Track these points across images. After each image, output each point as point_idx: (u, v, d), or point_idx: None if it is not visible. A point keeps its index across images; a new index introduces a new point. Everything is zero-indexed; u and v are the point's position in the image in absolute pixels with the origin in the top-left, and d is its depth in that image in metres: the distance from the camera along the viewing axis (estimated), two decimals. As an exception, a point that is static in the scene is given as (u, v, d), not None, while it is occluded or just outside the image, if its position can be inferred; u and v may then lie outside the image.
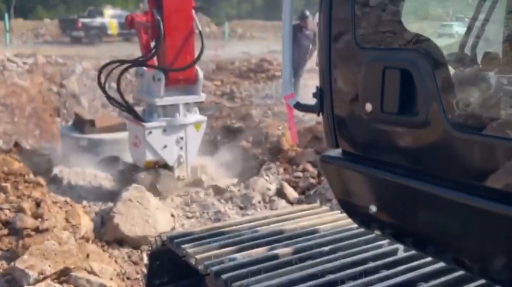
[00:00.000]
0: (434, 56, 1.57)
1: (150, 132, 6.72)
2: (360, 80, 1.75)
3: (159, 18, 6.42)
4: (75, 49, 19.95)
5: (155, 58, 6.82)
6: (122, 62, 7.17)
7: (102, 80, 6.74)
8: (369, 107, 1.70)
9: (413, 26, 1.75)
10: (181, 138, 6.96)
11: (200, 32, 6.80)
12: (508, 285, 1.51)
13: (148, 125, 6.72)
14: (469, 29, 2.26)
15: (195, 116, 7.13)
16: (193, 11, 6.77)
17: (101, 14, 27.22)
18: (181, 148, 7.00)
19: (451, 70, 1.67)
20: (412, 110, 1.58)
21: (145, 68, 6.99)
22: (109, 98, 7.00)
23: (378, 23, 1.74)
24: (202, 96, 7.17)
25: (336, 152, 1.93)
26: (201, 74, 6.97)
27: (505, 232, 1.41)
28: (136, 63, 7.07)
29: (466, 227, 1.53)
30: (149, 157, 6.81)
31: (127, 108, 6.99)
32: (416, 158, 1.64)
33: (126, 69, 7.00)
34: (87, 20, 26.44)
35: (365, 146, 1.84)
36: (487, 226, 1.46)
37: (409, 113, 1.59)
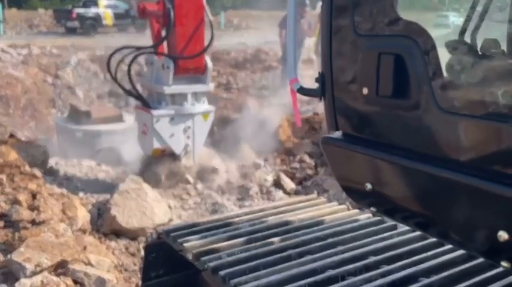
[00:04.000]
0: (425, 42, 1.67)
1: (158, 120, 6.73)
2: (357, 65, 1.87)
3: (169, 6, 6.45)
4: (70, 40, 19.80)
5: (165, 47, 6.83)
6: (132, 48, 7.14)
7: (113, 67, 6.75)
8: (365, 90, 1.81)
9: (408, 14, 1.84)
10: (189, 127, 6.98)
11: (210, 22, 6.81)
12: (489, 256, 1.66)
13: (156, 112, 6.73)
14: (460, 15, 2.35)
15: (203, 106, 7.13)
16: (204, 0, 6.75)
17: (96, 4, 26.95)
18: (188, 137, 7.02)
19: (442, 55, 1.75)
20: (405, 94, 1.70)
21: (155, 56, 6.99)
22: (119, 85, 7.01)
23: (375, 11, 1.82)
24: (210, 86, 7.18)
25: (337, 134, 2.04)
26: (210, 64, 6.96)
27: (489, 206, 1.52)
28: (145, 50, 7.07)
29: (452, 203, 1.64)
30: (156, 144, 6.83)
31: (136, 95, 7.01)
32: (409, 139, 1.76)
33: (136, 56, 6.99)
34: (81, 11, 26.20)
35: (362, 127, 1.95)
36: (471, 201, 1.58)
37: (402, 96, 1.70)
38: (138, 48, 7.09)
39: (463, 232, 1.68)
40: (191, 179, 7.14)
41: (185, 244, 2.53)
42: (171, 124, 6.84)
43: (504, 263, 1.55)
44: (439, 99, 1.62)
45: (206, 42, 6.84)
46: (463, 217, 1.64)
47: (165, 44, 6.84)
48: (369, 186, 1.91)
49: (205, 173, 7.41)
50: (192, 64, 6.78)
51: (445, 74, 1.74)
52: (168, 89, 6.74)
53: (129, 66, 6.86)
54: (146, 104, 6.93)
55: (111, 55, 6.88)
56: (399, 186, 1.86)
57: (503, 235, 1.47)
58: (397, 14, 1.76)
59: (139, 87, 7.48)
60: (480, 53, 2.17)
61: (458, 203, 1.62)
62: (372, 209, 2.05)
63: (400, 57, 1.69)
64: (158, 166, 7.00)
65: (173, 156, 7.05)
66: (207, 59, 6.96)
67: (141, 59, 9.03)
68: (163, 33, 6.73)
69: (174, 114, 6.83)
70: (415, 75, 1.67)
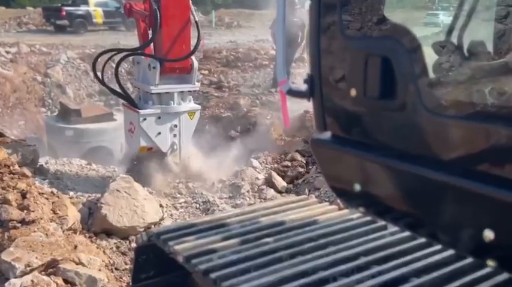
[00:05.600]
0: (410, 44, 1.68)
1: (145, 119, 6.87)
2: (345, 67, 1.89)
3: (156, 7, 6.53)
4: (59, 38, 19.64)
5: (152, 46, 6.94)
6: (117, 51, 7.30)
7: (100, 68, 6.88)
8: (353, 92, 1.83)
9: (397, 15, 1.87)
10: (175, 126, 7.11)
11: (196, 22, 6.92)
12: (476, 255, 1.71)
13: (142, 112, 6.86)
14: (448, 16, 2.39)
15: (189, 105, 7.27)
16: (190, 1, 6.84)
17: (86, 2, 26.70)
18: (175, 136, 7.16)
19: (429, 56, 1.80)
20: (392, 95, 1.71)
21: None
22: (105, 85, 7.14)
23: (362, 13, 1.83)
24: (196, 85, 7.31)
25: (325, 135, 2.06)
26: (196, 63, 7.10)
27: (475, 206, 1.56)
28: (132, 53, 7.20)
29: (440, 203, 1.67)
30: (143, 143, 6.97)
31: (123, 95, 7.10)
32: (397, 140, 1.79)
33: (123, 58, 7.12)
34: (71, 8, 25.93)
35: (350, 128, 1.98)
36: (458, 202, 1.61)
37: (388, 97, 1.72)
38: (124, 50, 7.23)
39: (451, 232, 1.71)
40: (180, 177, 7.18)
41: (175, 247, 2.50)
42: (158, 123, 6.98)
43: (490, 262, 1.58)
44: (426, 100, 1.64)
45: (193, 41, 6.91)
46: (450, 217, 1.67)
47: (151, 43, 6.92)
48: (357, 187, 1.93)
49: (196, 171, 7.42)
50: (178, 64, 6.90)
51: (431, 75, 1.76)
52: (155, 89, 6.86)
53: (116, 68, 6.99)
54: (133, 103, 7.03)
55: (96, 58, 6.98)
56: (388, 187, 1.88)
57: (488, 235, 1.50)
58: (384, 16, 1.77)
59: (129, 86, 7.57)
60: (467, 54, 2.20)
61: (446, 203, 1.65)
62: (361, 209, 2.08)
63: (387, 59, 1.70)
64: (146, 164, 7.06)
65: (160, 154, 7.11)
66: (193, 58, 7.07)
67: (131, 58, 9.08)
68: (150, 33, 6.83)
69: (160, 113, 6.96)
70: (402, 76, 1.68)
